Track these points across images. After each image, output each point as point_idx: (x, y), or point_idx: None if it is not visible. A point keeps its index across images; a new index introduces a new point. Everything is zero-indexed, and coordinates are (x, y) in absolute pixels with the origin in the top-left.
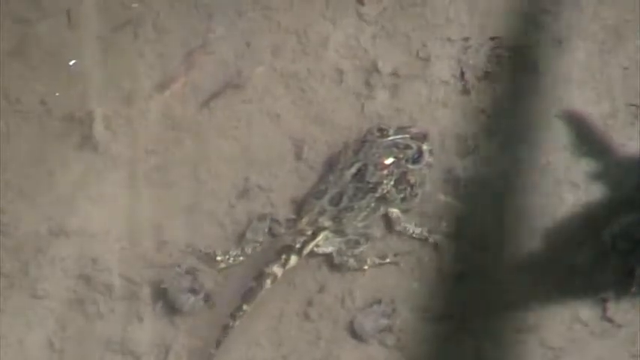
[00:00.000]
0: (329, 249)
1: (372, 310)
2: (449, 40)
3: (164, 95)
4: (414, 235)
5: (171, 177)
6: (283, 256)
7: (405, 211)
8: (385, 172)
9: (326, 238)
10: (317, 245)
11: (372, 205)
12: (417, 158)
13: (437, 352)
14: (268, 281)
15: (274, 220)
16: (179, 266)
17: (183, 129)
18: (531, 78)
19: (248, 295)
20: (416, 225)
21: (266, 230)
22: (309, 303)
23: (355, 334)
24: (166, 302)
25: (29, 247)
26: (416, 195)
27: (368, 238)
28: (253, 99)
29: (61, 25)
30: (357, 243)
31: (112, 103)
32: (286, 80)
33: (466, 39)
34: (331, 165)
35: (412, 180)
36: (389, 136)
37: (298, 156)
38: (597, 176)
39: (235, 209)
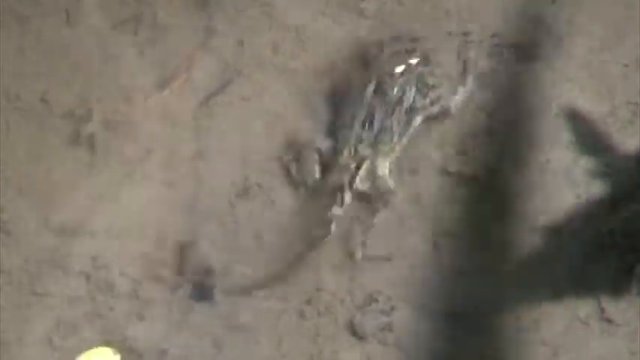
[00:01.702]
0: (385, 172)
1: (371, 308)
2: (449, 34)
3: (163, 93)
4: (460, 103)
5: (171, 175)
6: (339, 196)
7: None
8: (402, 79)
9: (368, 169)
10: (361, 180)
11: (405, 119)
12: (424, 59)
13: (436, 350)
14: (333, 225)
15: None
16: None
17: (183, 127)
18: (531, 75)
19: (313, 243)
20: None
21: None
22: (308, 301)
23: (355, 332)
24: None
25: (28, 245)
26: (440, 96)
27: (386, 202)
28: (252, 97)
29: (61, 23)
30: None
31: (112, 100)
32: (286, 77)
33: (466, 34)
34: (345, 96)
35: (430, 81)
36: (387, 47)
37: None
38: (597, 174)
39: (235, 208)
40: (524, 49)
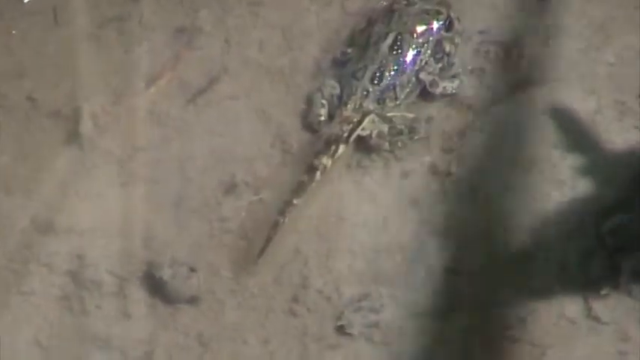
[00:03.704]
0: (373, 132)
1: (359, 306)
2: None
3: (151, 91)
4: (454, 90)
5: (158, 173)
6: (332, 147)
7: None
8: (421, 40)
9: (372, 121)
10: (362, 129)
11: (413, 80)
12: (449, 24)
13: (424, 348)
14: (318, 173)
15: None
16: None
17: (170, 125)
18: (518, 74)
19: (299, 189)
20: (452, 79)
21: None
22: (295, 299)
23: (342, 330)
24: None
25: (16, 244)
26: (453, 64)
27: (412, 131)
28: (239, 95)
29: (48, 22)
30: (400, 133)
31: (99, 99)
32: (272, 76)
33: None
34: (361, 40)
35: (447, 48)
36: (415, 3)
37: (285, 151)
38: (584, 173)
39: (222, 206)
40: (511, 48)
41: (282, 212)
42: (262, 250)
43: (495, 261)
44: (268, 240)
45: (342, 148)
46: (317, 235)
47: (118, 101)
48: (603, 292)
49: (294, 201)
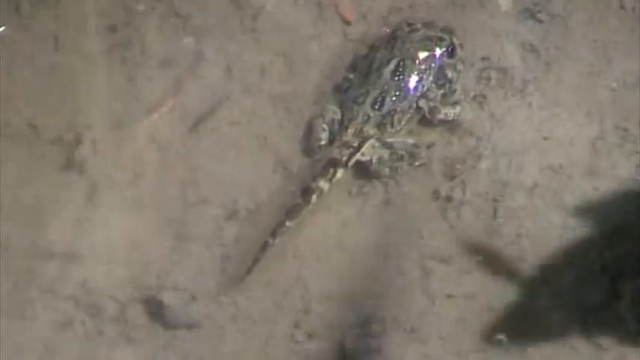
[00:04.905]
0: (374, 157)
1: (361, 331)
2: None
3: (152, 118)
4: (456, 117)
5: (159, 199)
6: (330, 170)
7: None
8: (423, 66)
9: (372, 147)
10: (362, 154)
11: (414, 106)
12: (451, 51)
13: None
14: (314, 196)
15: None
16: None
17: (172, 152)
18: (520, 99)
19: (293, 211)
20: (454, 105)
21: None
22: (297, 325)
23: (344, 355)
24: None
25: (19, 270)
26: (455, 91)
27: (412, 157)
28: (241, 121)
29: (49, 49)
30: (401, 158)
31: (101, 126)
32: (274, 102)
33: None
34: (364, 66)
35: (450, 74)
36: (419, 30)
37: (286, 177)
38: (586, 199)
39: (223, 231)
40: (513, 73)
41: (273, 234)
42: (249, 270)
43: (496, 287)
44: (255, 260)
45: (340, 172)
46: (318, 261)
47: (120, 127)
48: (603, 317)
49: (287, 223)
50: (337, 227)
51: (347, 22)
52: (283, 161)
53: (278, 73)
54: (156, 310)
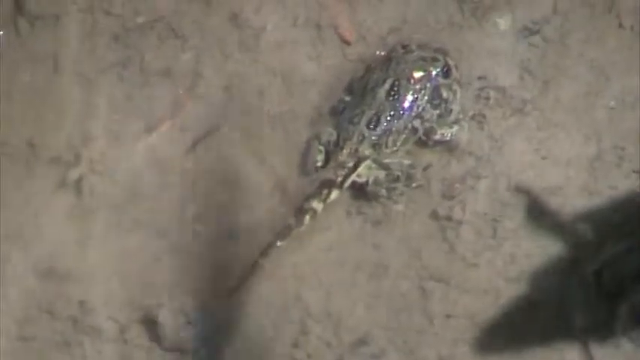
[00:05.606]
0: (370, 178)
1: (359, 351)
2: None
3: (151, 138)
4: (453, 137)
5: (158, 219)
6: (324, 191)
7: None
8: (418, 86)
9: (368, 168)
10: (358, 175)
11: (410, 126)
12: (446, 71)
13: None
14: (307, 217)
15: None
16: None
17: (170, 171)
18: (518, 118)
19: (283, 231)
20: (451, 125)
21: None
22: (295, 345)
23: None
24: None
25: (17, 291)
26: (451, 111)
27: (409, 178)
28: (239, 141)
29: (48, 68)
30: (397, 179)
31: (99, 145)
32: (272, 122)
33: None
34: (359, 87)
35: (445, 94)
36: (413, 51)
37: (283, 198)
38: (584, 219)
39: (222, 251)
40: (510, 93)
41: (263, 254)
42: (236, 289)
43: (495, 307)
44: (242, 279)
45: (335, 193)
46: (317, 281)
47: (119, 147)
48: (602, 336)
49: (278, 243)
50: (336, 247)
51: (346, 43)
52: (281, 182)
53: (277, 94)
54: (154, 331)
